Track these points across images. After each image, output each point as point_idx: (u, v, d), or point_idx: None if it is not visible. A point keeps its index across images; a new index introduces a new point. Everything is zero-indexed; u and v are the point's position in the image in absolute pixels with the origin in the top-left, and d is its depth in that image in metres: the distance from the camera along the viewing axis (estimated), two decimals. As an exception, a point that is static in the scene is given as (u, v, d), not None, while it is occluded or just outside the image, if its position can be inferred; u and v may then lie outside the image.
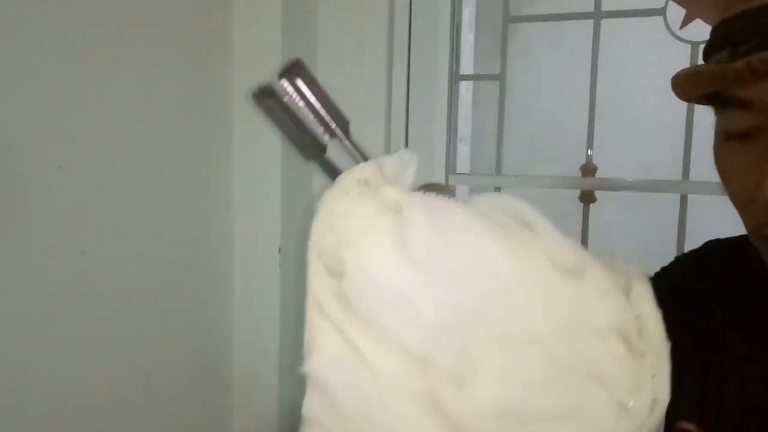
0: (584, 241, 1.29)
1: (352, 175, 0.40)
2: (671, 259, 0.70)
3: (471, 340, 0.36)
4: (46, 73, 0.65)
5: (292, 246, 1.15)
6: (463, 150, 1.47)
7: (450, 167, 1.31)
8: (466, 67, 1.40)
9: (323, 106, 0.41)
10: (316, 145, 0.41)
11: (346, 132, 0.42)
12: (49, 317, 0.66)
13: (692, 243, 0.76)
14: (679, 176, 1.21)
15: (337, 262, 0.37)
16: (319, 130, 0.41)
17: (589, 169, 1.30)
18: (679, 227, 1.22)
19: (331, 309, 0.37)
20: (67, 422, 0.65)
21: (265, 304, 1.16)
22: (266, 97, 0.40)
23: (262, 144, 1.11)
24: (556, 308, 0.37)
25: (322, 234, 0.38)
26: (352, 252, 0.37)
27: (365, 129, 1.26)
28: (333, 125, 0.41)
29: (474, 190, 1.72)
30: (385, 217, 0.38)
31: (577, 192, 1.33)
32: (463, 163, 1.47)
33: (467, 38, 1.39)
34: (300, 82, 0.40)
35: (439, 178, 1.30)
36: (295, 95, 0.40)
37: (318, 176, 1.27)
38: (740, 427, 0.52)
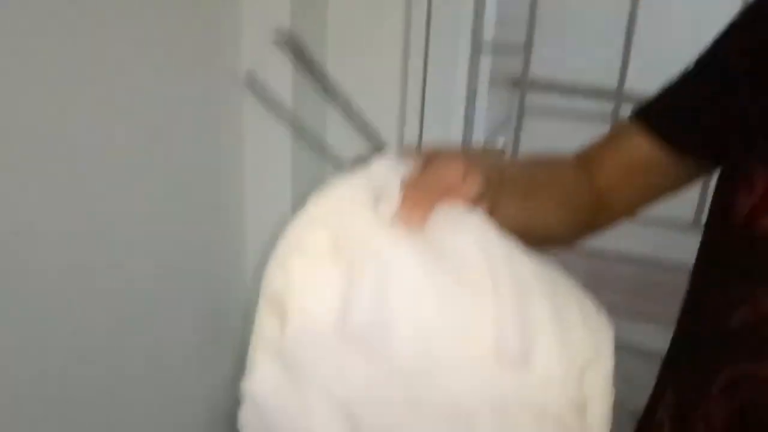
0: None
1: (331, 194, 0.40)
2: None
3: (395, 409, 0.37)
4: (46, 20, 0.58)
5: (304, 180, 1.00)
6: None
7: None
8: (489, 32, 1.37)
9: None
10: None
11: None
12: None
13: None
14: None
15: (281, 306, 0.39)
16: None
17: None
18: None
19: (272, 342, 0.40)
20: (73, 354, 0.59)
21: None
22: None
23: (273, 76, 0.93)
24: (490, 392, 0.38)
25: (273, 272, 0.40)
26: (294, 304, 0.39)
27: (378, 80, 1.12)
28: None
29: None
30: (338, 266, 0.38)
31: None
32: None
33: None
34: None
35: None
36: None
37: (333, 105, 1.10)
38: None
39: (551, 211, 0.57)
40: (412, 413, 0.37)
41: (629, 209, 0.64)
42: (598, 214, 0.62)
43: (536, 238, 0.49)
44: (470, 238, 0.39)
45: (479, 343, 0.37)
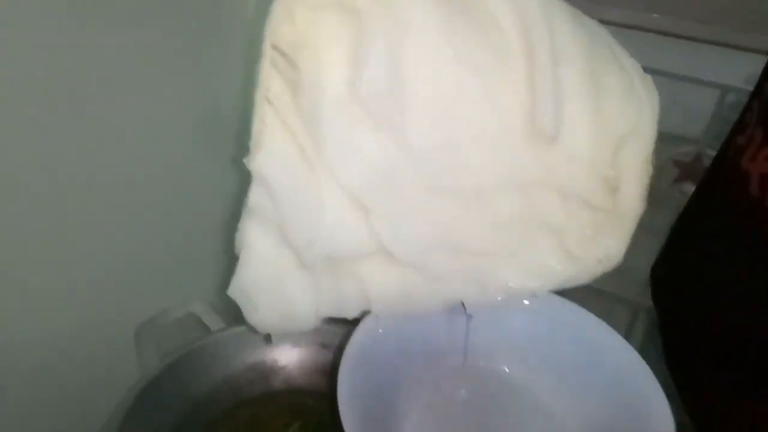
0: None
1: None
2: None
3: (408, 192, 0.34)
4: None
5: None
6: None
7: None
8: None
9: None
10: None
11: None
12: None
13: None
14: None
15: (292, 62, 0.33)
16: None
17: None
18: None
19: (281, 104, 0.34)
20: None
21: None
22: None
23: None
24: (512, 170, 0.34)
25: (278, 19, 0.32)
26: (308, 63, 0.32)
27: None
28: None
29: None
30: (350, 20, 0.32)
31: None
32: None
33: None
34: None
35: None
36: None
37: None
38: None
39: None
40: (427, 196, 0.34)
41: None
42: None
43: None
44: None
45: (505, 115, 0.33)
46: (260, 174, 0.34)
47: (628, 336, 0.77)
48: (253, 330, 0.40)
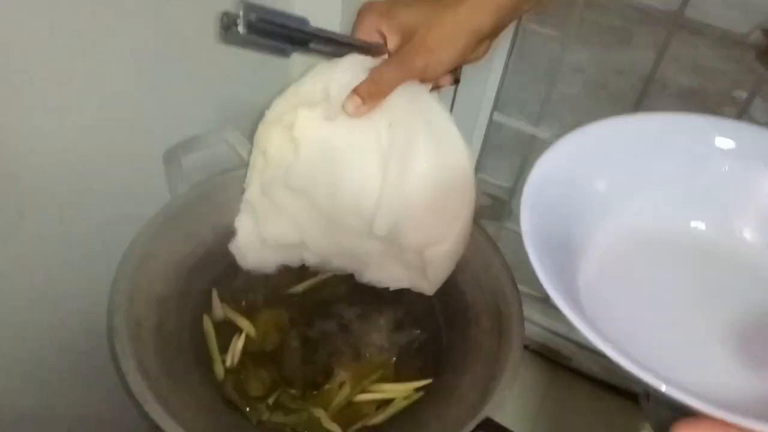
0: None
1: (296, 98, 0.57)
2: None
3: (318, 225, 0.61)
4: None
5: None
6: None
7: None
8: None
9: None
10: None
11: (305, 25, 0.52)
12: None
13: None
14: None
15: (263, 156, 0.61)
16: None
17: None
18: None
19: (258, 172, 0.62)
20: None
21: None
22: (231, 26, 0.47)
23: None
24: (370, 235, 0.58)
25: (262, 134, 0.60)
26: (269, 160, 0.60)
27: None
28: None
29: None
30: (294, 141, 0.58)
31: None
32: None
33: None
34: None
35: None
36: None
37: None
38: None
39: None
40: (330, 231, 0.61)
41: None
42: None
43: None
44: (387, 120, 0.55)
45: (365, 211, 0.57)
46: (246, 200, 0.64)
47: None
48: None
